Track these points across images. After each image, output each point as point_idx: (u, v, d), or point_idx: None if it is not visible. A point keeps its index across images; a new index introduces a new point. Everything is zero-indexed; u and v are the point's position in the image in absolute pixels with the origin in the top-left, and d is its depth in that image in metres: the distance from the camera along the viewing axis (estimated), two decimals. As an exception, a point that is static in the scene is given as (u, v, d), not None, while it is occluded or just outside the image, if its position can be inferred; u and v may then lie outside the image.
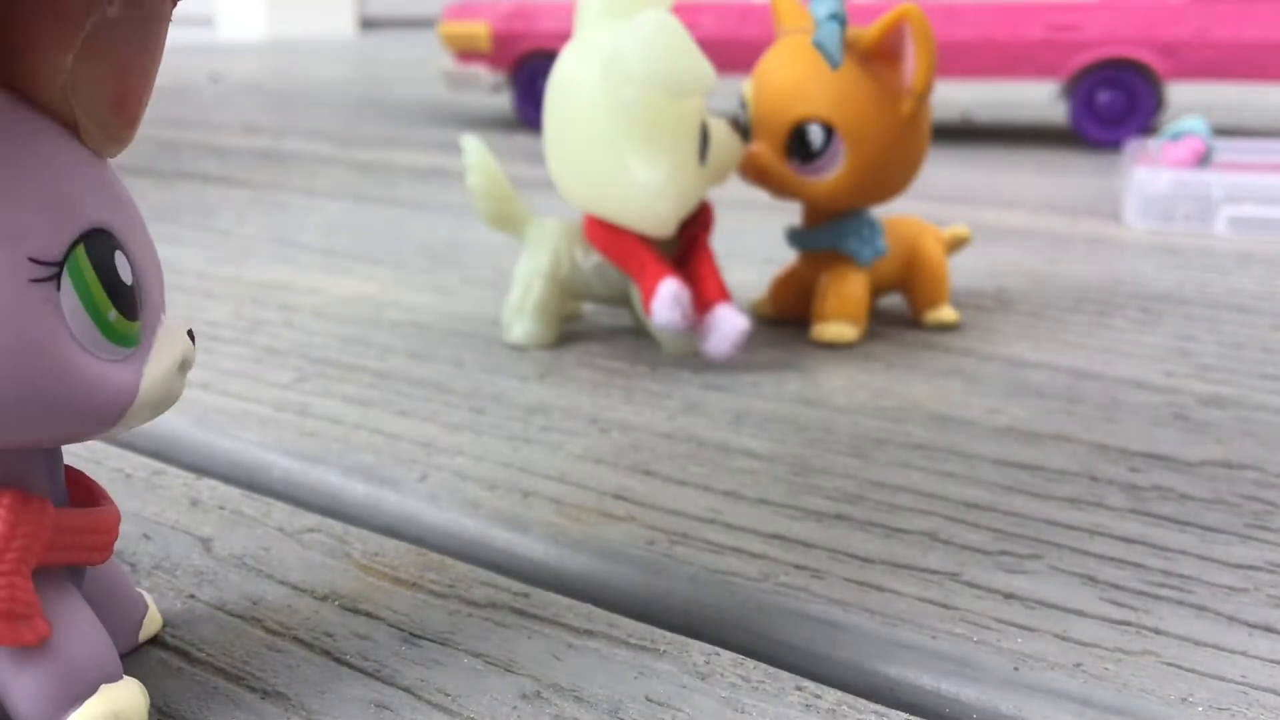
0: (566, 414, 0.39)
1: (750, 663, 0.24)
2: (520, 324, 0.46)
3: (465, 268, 0.59)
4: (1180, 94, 0.99)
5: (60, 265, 0.18)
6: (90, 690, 0.21)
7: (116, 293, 0.19)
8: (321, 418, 0.39)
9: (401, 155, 1.00)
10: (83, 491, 0.22)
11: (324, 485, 0.34)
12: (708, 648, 0.25)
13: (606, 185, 0.41)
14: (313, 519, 0.31)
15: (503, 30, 1.15)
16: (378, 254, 0.62)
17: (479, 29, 1.16)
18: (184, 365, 0.21)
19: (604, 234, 0.43)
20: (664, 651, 0.24)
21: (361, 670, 0.24)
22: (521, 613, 0.26)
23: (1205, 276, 0.57)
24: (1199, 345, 0.46)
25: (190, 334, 0.21)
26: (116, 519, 0.22)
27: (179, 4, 0.20)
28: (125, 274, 0.19)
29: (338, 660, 0.24)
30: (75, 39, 0.18)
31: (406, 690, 0.23)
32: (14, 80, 0.18)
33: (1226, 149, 0.77)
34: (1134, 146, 0.79)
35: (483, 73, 1.18)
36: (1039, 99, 1.02)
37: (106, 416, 0.19)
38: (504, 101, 1.33)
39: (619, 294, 0.45)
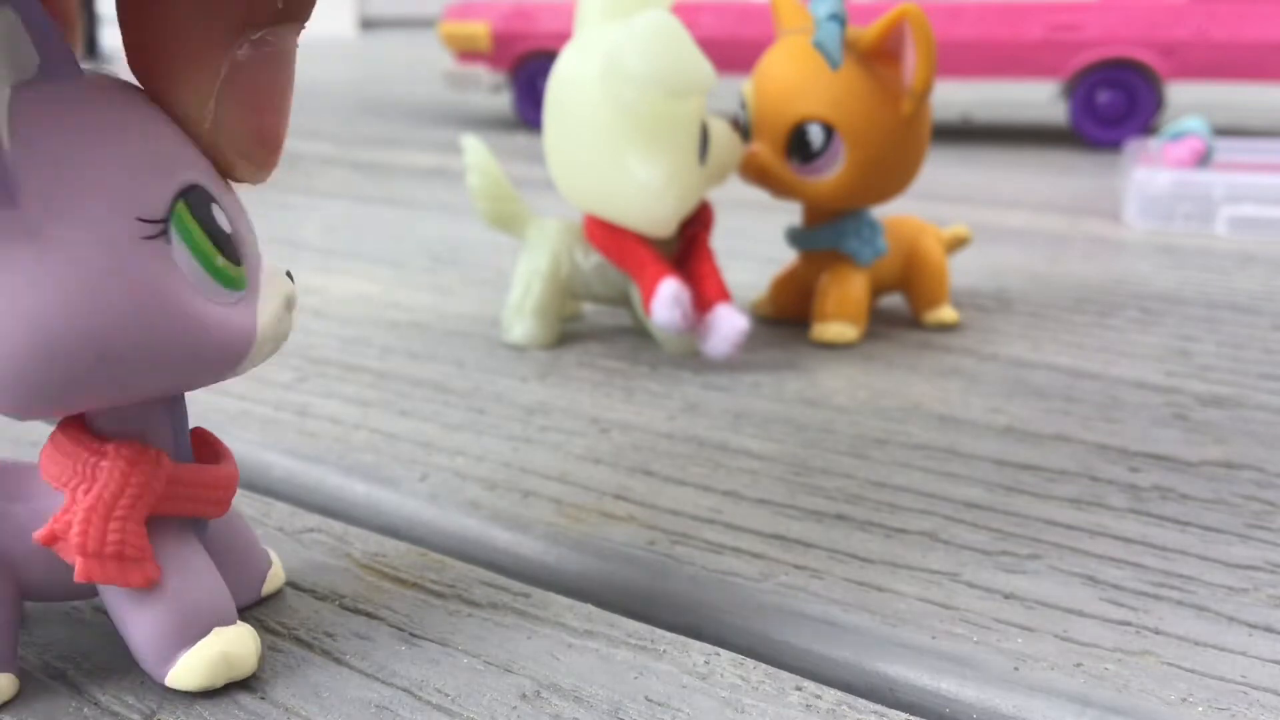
0: (566, 414, 0.39)
1: (750, 663, 0.24)
2: (520, 324, 0.46)
3: (465, 268, 0.59)
4: (1180, 94, 0.99)
5: (166, 221, 0.19)
6: (204, 632, 0.22)
7: (219, 241, 0.20)
8: (321, 418, 0.39)
9: (402, 155, 1.00)
10: (208, 449, 0.24)
11: (324, 485, 0.34)
12: (708, 648, 0.25)
13: (606, 185, 0.41)
14: (313, 519, 0.31)
15: (503, 30, 1.15)
16: (378, 254, 0.62)
17: (479, 29, 1.16)
18: (289, 303, 0.22)
19: (604, 234, 0.43)
20: (664, 651, 0.24)
21: (361, 670, 0.24)
22: (521, 613, 0.26)
23: (1205, 276, 0.57)
24: (1199, 345, 0.46)
25: (289, 274, 0.23)
26: (234, 477, 0.23)
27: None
28: (224, 223, 0.21)
29: (338, 660, 0.24)
30: (213, 85, 0.20)
31: (406, 690, 0.23)
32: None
33: (1226, 149, 0.77)
34: (1134, 146, 0.79)
35: (483, 73, 1.18)
36: (1039, 99, 1.02)
37: (234, 358, 0.21)
38: (504, 101, 1.33)
39: (619, 294, 0.45)
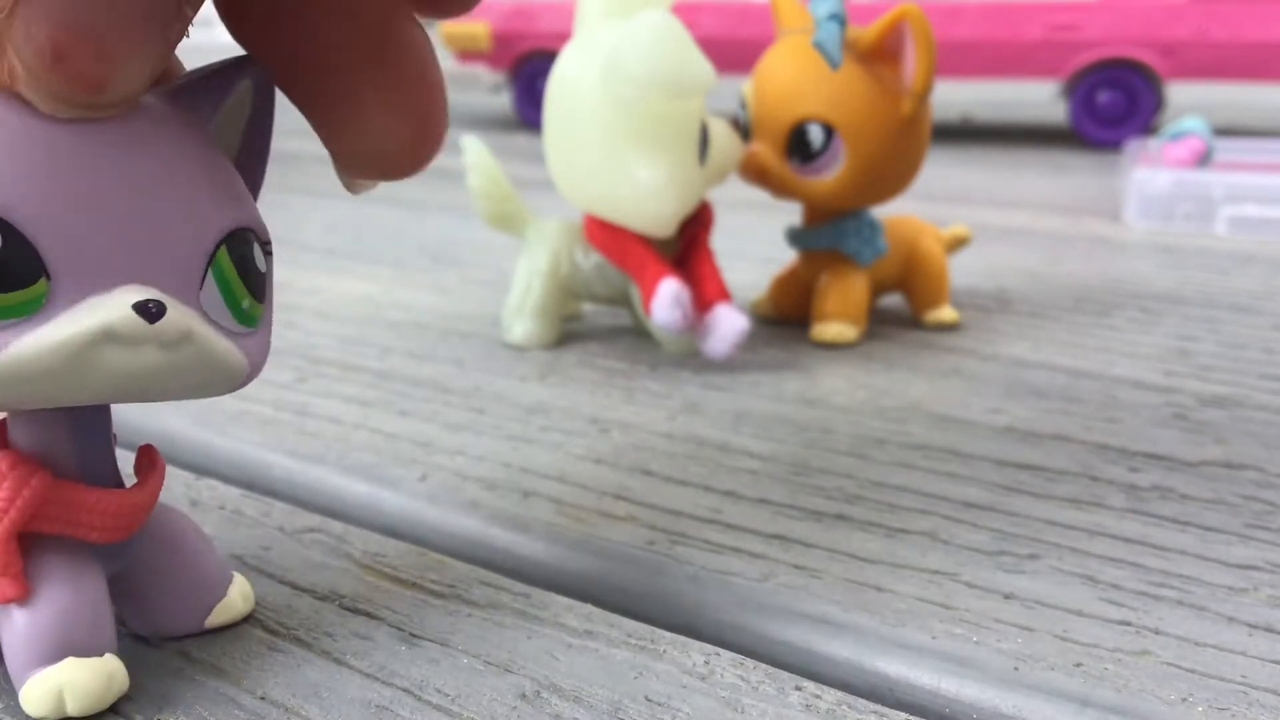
0: (566, 414, 0.39)
1: (750, 663, 0.24)
2: (520, 324, 0.46)
3: (465, 268, 0.59)
4: (1180, 94, 0.99)
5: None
6: (55, 658, 0.21)
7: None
8: (321, 418, 0.39)
9: (401, 155, 1.00)
10: (141, 470, 0.23)
11: (324, 485, 0.34)
12: (708, 648, 0.25)
13: (606, 185, 0.41)
14: (313, 519, 0.31)
15: (503, 30, 1.15)
16: (378, 254, 0.62)
17: (479, 29, 1.16)
18: (109, 335, 0.18)
19: (604, 234, 0.43)
20: (664, 651, 0.24)
21: (361, 670, 0.24)
22: (521, 613, 0.26)
23: (1205, 276, 0.57)
24: (1199, 345, 0.46)
25: (145, 306, 0.19)
26: (136, 506, 0.22)
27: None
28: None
29: (338, 660, 0.24)
30: None
31: (406, 690, 0.23)
32: None
33: (1226, 149, 0.77)
34: (1134, 146, 0.79)
35: (483, 73, 1.18)
36: (1039, 99, 1.02)
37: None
38: (504, 101, 1.33)
39: (619, 294, 0.45)
